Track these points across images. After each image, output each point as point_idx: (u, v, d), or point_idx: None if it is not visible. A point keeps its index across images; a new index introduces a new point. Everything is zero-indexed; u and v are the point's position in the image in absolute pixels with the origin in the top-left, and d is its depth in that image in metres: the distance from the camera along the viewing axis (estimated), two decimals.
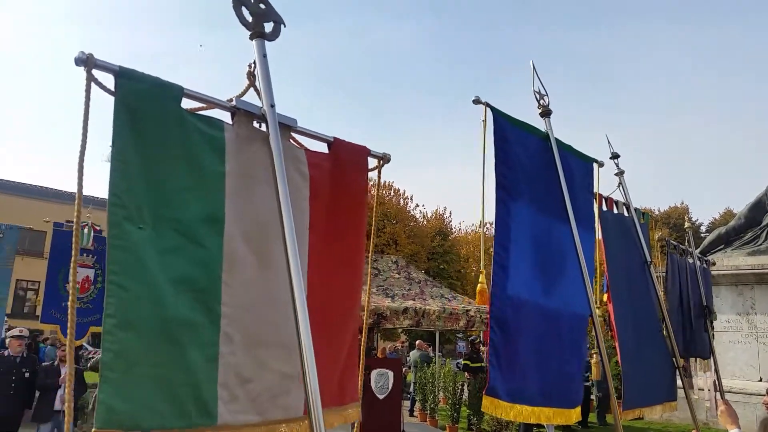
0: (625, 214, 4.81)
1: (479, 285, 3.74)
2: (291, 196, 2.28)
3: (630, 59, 78.01)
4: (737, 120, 76.42)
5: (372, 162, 3.13)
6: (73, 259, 2.09)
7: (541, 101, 3.98)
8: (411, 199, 40.23)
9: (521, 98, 3.79)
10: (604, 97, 79.26)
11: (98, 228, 8.99)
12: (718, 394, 6.25)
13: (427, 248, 38.01)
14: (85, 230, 8.80)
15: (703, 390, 7.50)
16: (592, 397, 14.42)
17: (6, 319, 12.38)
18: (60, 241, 8.81)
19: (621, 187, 4.79)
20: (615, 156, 4.79)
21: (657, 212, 44.22)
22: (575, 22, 79.11)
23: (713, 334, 6.77)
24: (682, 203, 47.02)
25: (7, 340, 8.58)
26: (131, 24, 68.67)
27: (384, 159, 3.19)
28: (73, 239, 2.09)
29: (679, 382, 4.86)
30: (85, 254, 8.80)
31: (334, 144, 2.89)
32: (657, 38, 76.96)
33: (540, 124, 3.97)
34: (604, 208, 4.58)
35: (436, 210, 42.47)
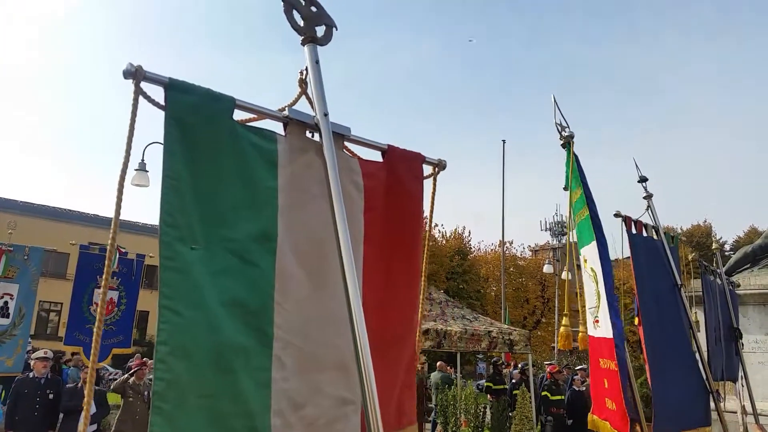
0: (654, 237, 4.77)
1: (563, 328, 3.66)
2: (345, 208, 2.18)
3: (654, 74, 77.78)
4: (761, 135, 75.53)
5: (426, 170, 2.94)
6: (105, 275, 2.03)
7: (563, 132, 4.06)
8: None
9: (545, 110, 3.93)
10: (630, 112, 78.94)
11: (123, 250, 9.07)
12: (749, 417, 6.08)
13: (446, 268, 37.81)
14: None
15: (734, 413, 7.30)
16: None
17: (29, 340, 12.54)
18: (85, 263, 8.90)
19: (649, 210, 4.77)
20: (643, 179, 4.80)
21: (680, 230, 43.57)
22: (598, 37, 79.18)
23: (742, 356, 6.60)
24: (705, 221, 46.29)
25: (32, 362, 8.66)
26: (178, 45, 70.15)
27: (439, 166, 2.97)
28: (109, 246, 1.99)
29: (713, 406, 4.75)
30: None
31: (389, 152, 2.75)
32: (683, 54, 76.71)
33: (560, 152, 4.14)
34: (633, 231, 4.55)
35: (455, 229, 42.32)
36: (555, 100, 4.04)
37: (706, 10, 76.17)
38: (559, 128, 4.09)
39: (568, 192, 4.48)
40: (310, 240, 2.32)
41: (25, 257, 9.24)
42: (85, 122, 66.78)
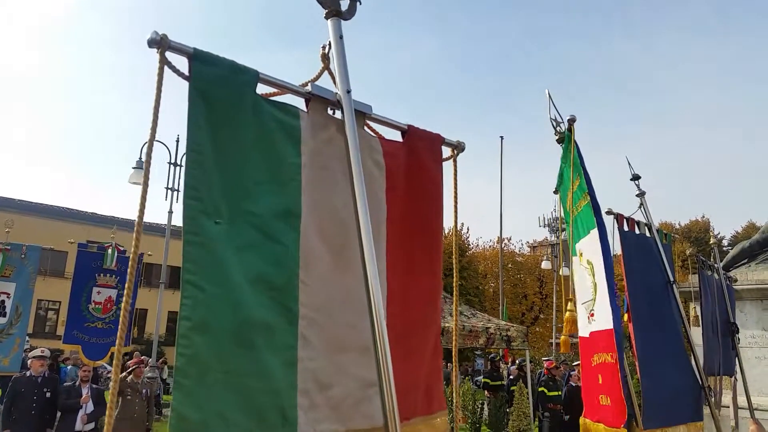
0: (647, 234, 4.79)
1: (568, 313, 3.66)
2: (367, 187, 2.14)
3: (652, 72, 77.74)
4: (758, 131, 75.58)
5: (445, 152, 2.88)
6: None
7: (558, 128, 4.06)
8: None
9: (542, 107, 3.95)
10: (628, 109, 78.90)
11: (122, 248, 9.08)
12: (744, 411, 6.11)
13: (444, 264, 37.84)
14: (109, 251, 8.89)
15: (728, 407, 7.34)
16: None
17: (27, 338, 12.55)
18: (84, 262, 8.90)
19: (642, 208, 4.79)
20: (636, 177, 4.83)
21: (678, 226, 43.66)
22: (598, 35, 79.12)
23: (738, 351, 6.63)
24: (703, 217, 46.33)
25: (29, 361, 8.66)
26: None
27: (458, 147, 2.90)
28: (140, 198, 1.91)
29: (706, 401, 4.78)
30: (108, 274, 8.89)
31: (409, 132, 2.70)
32: (680, 51, 76.65)
33: (557, 149, 4.13)
34: (626, 228, 4.57)
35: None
36: (549, 96, 4.03)
37: (705, 9, 76.18)
38: (554, 124, 4.09)
39: (561, 188, 4.51)
40: (332, 218, 2.29)
41: (22, 256, 9.24)
42: (83, 121, 66.67)
